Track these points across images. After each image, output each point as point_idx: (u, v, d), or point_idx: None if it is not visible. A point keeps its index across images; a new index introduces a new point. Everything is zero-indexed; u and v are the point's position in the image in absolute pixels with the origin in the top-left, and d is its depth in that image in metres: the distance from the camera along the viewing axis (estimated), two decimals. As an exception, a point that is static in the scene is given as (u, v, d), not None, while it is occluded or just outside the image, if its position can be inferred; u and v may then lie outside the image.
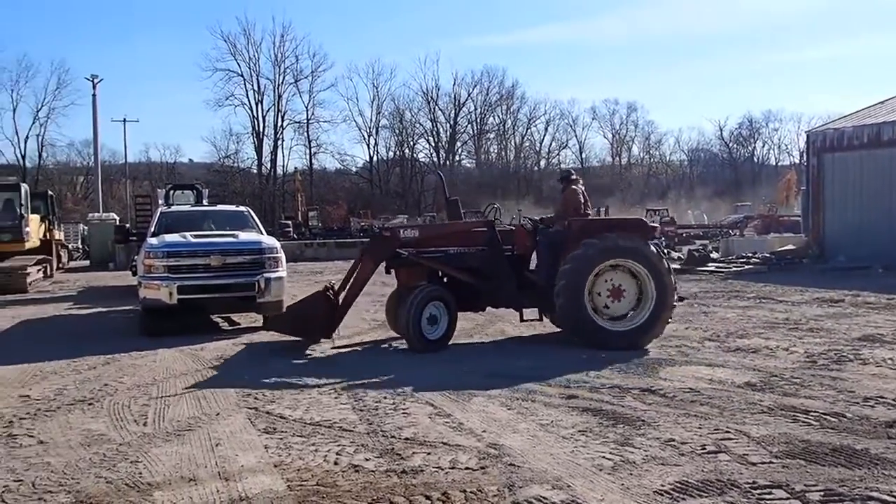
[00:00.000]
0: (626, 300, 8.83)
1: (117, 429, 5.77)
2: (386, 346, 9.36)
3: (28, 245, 21.02)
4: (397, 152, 75.51)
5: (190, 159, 72.76)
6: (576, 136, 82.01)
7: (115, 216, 31.81)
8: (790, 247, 20.61)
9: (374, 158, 73.63)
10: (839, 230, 19.91)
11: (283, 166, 69.27)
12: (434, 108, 75.15)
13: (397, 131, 74.85)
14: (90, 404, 6.59)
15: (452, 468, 4.66)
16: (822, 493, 4.05)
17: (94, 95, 41.33)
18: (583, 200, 9.69)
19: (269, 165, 68.23)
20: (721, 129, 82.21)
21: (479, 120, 77.80)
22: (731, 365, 7.56)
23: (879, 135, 19.33)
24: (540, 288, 9.10)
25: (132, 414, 6.19)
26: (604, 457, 4.78)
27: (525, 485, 4.31)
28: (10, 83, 63.46)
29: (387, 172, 74.67)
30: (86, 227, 42.71)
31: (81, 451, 5.21)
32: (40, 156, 64.46)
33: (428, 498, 4.17)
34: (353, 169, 73.70)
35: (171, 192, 18.32)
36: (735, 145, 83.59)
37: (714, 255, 21.42)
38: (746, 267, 18.20)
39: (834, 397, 6.15)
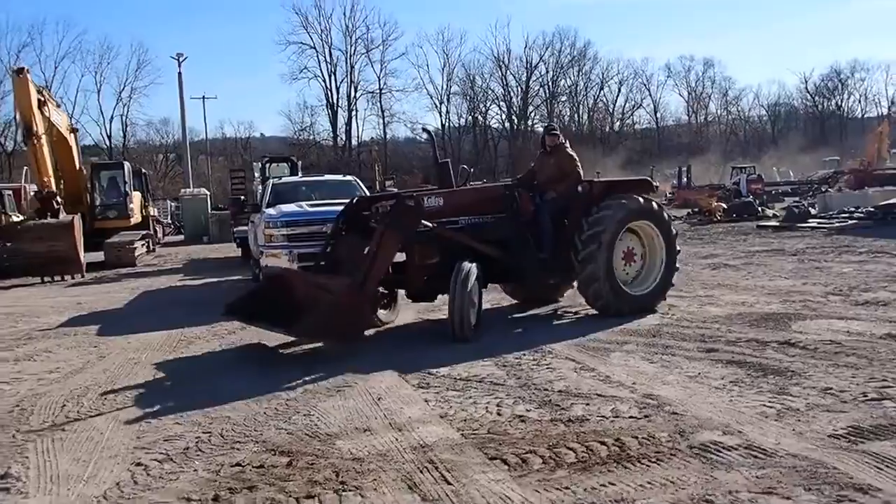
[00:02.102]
0: (636, 264, 8.66)
1: (278, 386, 6.12)
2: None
3: (132, 221, 22.06)
4: (469, 119, 75.42)
5: (261, 134, 74.23)
6: (650, 95, 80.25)
7: (206, 191, 32.85)
8: (893, 200, 19.82)
9: (446, 126, 73.70)
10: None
11: (358, 137, 70.20)
12: (505, 73, 74.62)
13: (469, 98, 74.68)
14: (244, 363, 7.02)
15: (616, 417, 4.82)
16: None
17: (179, 74, 42.65)
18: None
19: (343, 137, 69.19)
20: (806, 82, 79.05)
21: (551, 83, 76.83)
22: (863, 318, 7.47)
23: None
24: (542, 260, 8.32)
25: (287, 372, 6.54)
26: (764, 405, 4.85)
27: (695, 431, 4.44)
28: (93, 65, 65.69)
29: (459, 139, 74.69)
30: (172, 204, 44.45)
31: (254, 406, 5.57)
32: (124, 135, 66.77)
33: (603, 444, 4.33)
34: (421, 139, 74.02)
35: (268, 164, 18.86)
36: (819, 98, 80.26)
37: (812, 211, 20.81)
38: (850, 222, 17.65)
39: (983, 347, 6.04)
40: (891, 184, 28.40)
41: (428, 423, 4.94)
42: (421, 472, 4.10)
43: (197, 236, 29.83)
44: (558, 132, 9.06)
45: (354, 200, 8.50)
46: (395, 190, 10.62)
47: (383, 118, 70.24)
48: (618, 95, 78.82)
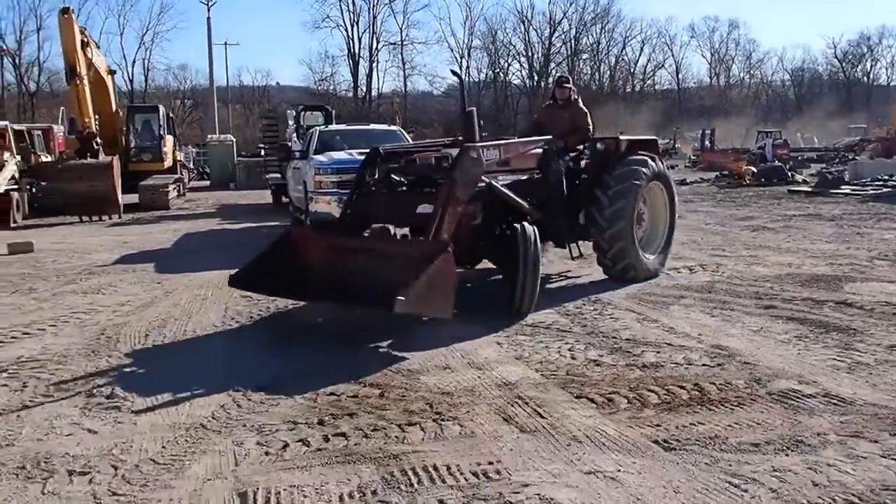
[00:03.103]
0: (643, 226, 8.28)
1: (357, 326, 6.36)
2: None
3: (165, 165, 22.26)
4: (489, 74, 74.77)
5: (277, 83, 73.72)
6: (672, 55, 79.23)
7: (232, 138, 32.95)
8: (929, 169, 19.79)
9: (467, 80, 73.08)
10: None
11: (378, 89, 69.83)
12: (528, 28, 73.71)
13: (490, 52, 73.94)
14: (309, 305, 7.26)
15: (689, 365, 5.02)
16: None
17: (208, 19, 42.62)
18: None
19: (364, 88, 68.84)
20: (835, 47, 77.74)
21: (573, 40, 75.85)
22: (914, 281, 7.62)
23: None
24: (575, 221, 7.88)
25: (359, 313, 6.76)
26: (833, 359, 5.04)
27: (771, 379, 4.64)
28: (116, 8, 65.32)
29: (478, 95, 74.16)
30: (194, 149, 44.59)
31: (339, 346, 5.83)
32: (146, 80, 66.65)
33: (682, 388, 4.54)
34: (436, 93, 73.44)
35: (303, 112, 18.94)
36: (846, 64, 78.99)
37: (844, 177, 20.77)
38: (885, 190, 17.64)
39: None
40: (919, 153, 28.25)
41: (506, 364, 5.16)
42: (512, 406, 4.33)
43: (223, 182, 30.02)
44: (570, 84, 8.63)
45: (380, 151, 7.24)
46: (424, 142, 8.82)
47: (404, 70, 69.90)
48: (640, 55, 77.93)
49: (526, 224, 6.57)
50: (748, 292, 7.22)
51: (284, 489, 3.35)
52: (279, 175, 20.47)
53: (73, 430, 4.11)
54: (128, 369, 5.25)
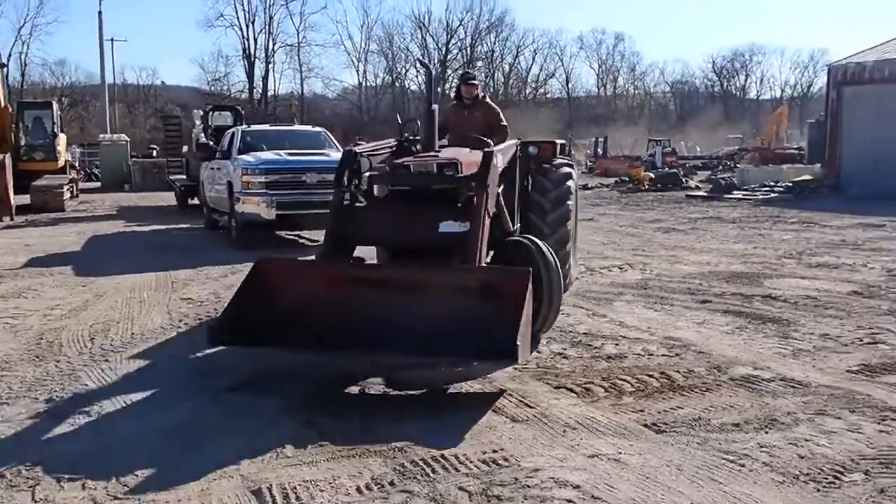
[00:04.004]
0: None
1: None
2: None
3: (59, 164, 21.07)
4: (387, 78, 74.88)
5: (162, 82, 70.85)
6: (563, 65, 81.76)
7: (126, 137, 31.52)
8: (807, 176, 21.37)
9: (363, 85, 72.95)
10: (855, 161, 20.63)
11: (275, 90, 68.56)
12: (425, 35, 74.30)
13: (387, 57, 74.05)
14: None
15: (650, 355, 5.29)
16: None
17: (99, 13, 40.57)
18: None
19: (260, 89, 67.39)
20: (713, 62, 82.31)
21: (469, 48, 77.04)
22: (822, 278, 8.26)
23: (901, 69, 19.89)
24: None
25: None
26: (777, 347, 5.44)
27: (729, 366, 4.96)
28: (-12, -2, 61.15)
29: (377, 98, 74.16)
30: (79, 149, 42.31)
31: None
32: (23, 76, 62.73)
33: (651, 377, 4.79)
34: (331, 96, 72.83)
35: (211, 112, 18.43)
36: (722, 78, 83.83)
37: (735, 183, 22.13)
38: (772, 195, 18.94)
39: (939, 303, 6.87)
40: (790, 162, 30.47)
41: (475, 359, 5.26)
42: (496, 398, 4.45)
43: (117, 184, 28.62)
44: (478, 81, 7.83)
45: (356, 155, 5.57)
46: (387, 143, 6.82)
47: (301, 72, 68.85)
48: (532, 64, 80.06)
49: (533, 238, 5.83)
50: (681, 288, 7.64)
51: (299, 484, 3.34)
52: (185, 176, 19.86)
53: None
54: (83, 373, 5.02)
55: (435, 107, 6.22)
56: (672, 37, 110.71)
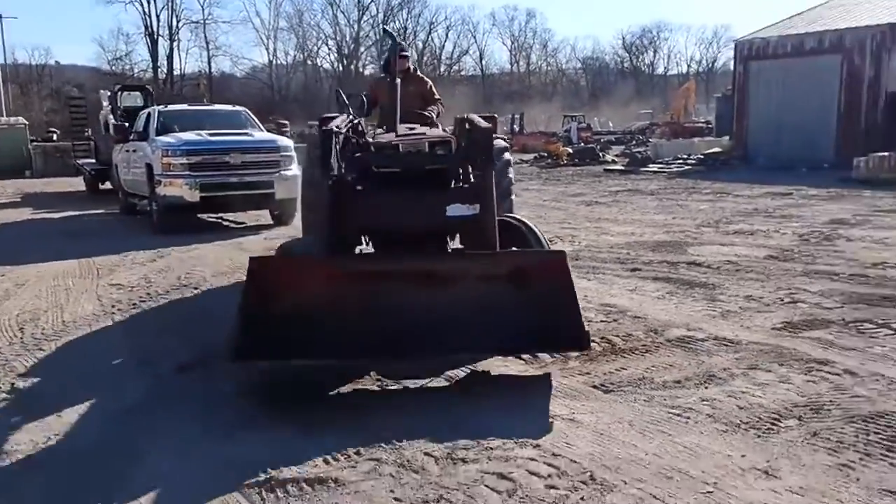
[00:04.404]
0: None
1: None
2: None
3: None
4: (298, 56, 73.54)
5: (57, 62, 67.42)
6: (476, 42, 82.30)
7: (24, 120, 29.92)
8: (717, 149, 22.27)
9: (273, 63, 71.41)
10: (761, 133, 21.66)
11: (181, 69, 66.32)
12: (336, 12, 73.19)
13: (297, 35, 72.65)
14: (196, 288, 7.01)
15: (589, 321, 5.40)
16: (900, 324, 5.16)
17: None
18: None
19: (165, 68, 65.05)
20: (623, 39, 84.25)
21: (382, 24, 76.31)
22: (740, 244, 8.69)
23: (802, 44, 20.93)
24: None
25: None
26: (706, 309, 5.73)
27: (664, 329, 5.20)
28: None
29: (288, 77, 72.77)
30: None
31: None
32: None
33: (593, 341, 4.96)
34: (240, 75, 71.00)
35: (120, 93, 17.69)
36: (632, 55, 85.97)
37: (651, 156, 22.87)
38: (686, 167, 19.68)
39: (846, 264, 7.34)
40: (699, 135, 31.71)
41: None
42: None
43: (17, 170, 27.16)
44: (408, 54, 7.43)
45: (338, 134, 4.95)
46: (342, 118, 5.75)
47: (208, 51, 66.81)
48: (445, 41, 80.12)
49: (519, 217, 5.66)
50: (610, 258, 7.91)
51: (263, 461, 3.36)
52: (94, 160, 19.05)
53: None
54: (18, 363, 4.85)
55: (398, 80, 5.81)
56: (583, 14, 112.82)
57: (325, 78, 73.96)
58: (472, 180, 4.91)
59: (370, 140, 5.35)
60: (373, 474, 3.18)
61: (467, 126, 5.49)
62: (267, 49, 71.41)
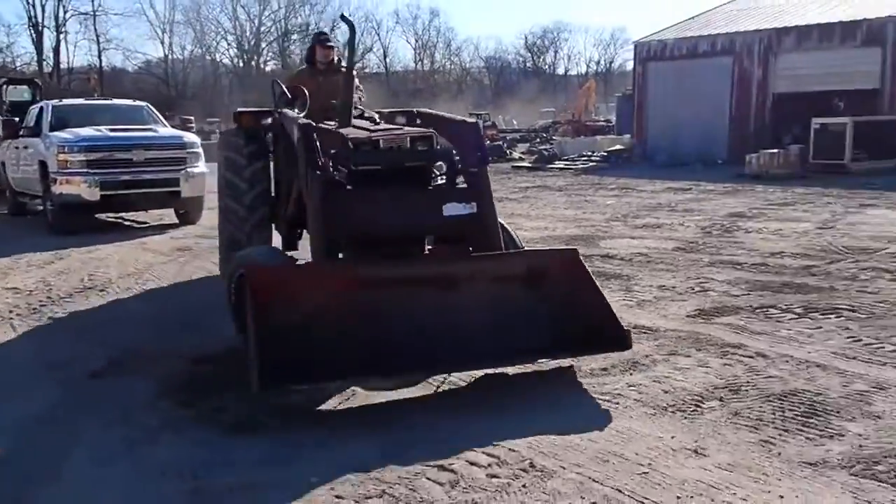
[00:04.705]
0: None
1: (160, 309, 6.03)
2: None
3: None
4: (196, 51, 71.30)
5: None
6: (380, 40, 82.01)
7: None
8: (619, 146, 23.01)
9: (170, 58, 69.01)
10: (660, 131, 22.52)
11: (69, 63, 63.16)
12: (235, 6, 71.35)
13: (195, 29, 70.39)
14: (102, 290, 6.68)
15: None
16: (802, 307, 5.45)
17: None
18: None
19: (51, 62, 61.78)
20: (525, 39, 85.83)
21: (284, 20, 75.06)
22: (648, 237, 9.00)
23: (696, 47, 21.89)
24: None
25: (160, 295, 6.40)
26: (623, 299, 5.88)
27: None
28: None
29: (185, 72, 70.48)
30: None
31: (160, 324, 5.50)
32: None
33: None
34: (131, 69, 68.41)
35: (5, 86, 16.66)
36: (531, 54, 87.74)
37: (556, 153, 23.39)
38: (590, 164, 20.23)
39: (748, 254, 7.71)
40: (601, 133, 32.70)
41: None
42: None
43: None
44: (333, 43, 6.94)
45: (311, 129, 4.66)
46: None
47: (98, 44, 63.82)
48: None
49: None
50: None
51: (194, 463, 3.23)
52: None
53: None
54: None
55: (354, 68, 5.43)
56: (485, 14, 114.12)
57: (224, 74, 72.11)
58: (464, 179, 4.64)
59: (360, 137, 4.86)
60: (309, 474, 3.11)
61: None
62: (162, 43, 68.87)
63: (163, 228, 10.67)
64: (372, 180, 4.54)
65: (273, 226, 6.37)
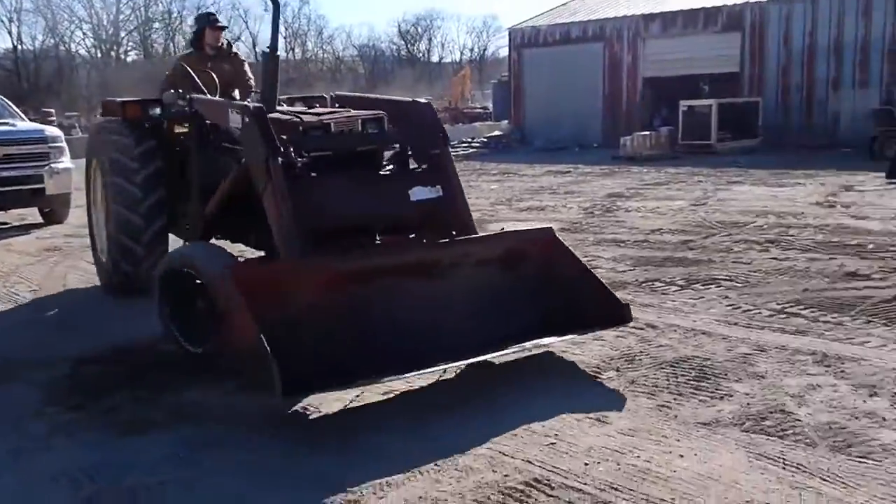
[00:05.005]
0: None
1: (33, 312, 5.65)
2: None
3: None
4: (48, 41, 66.80)
5: None
6: (248, 28, 79.62)
7: None
8: (498, 132, 23.44)
9: (20, 48, 64.37)
10: (537, 117, 23.09)
11: None
12: (90, -8, 67.29)
13: (46, 18, 65.91)
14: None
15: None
16: (684, 280, 5.76)
17: None
18: None
19: None
20: (399, 26, 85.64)
21: (144, 8, 71.50)
22: (534, 219, 9.22)
23: (568, 33, 22.55)
24: None
25: (31, 298, 6.01)
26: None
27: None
28: None
29: (37, 63, 65.98)
30: None
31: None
32: None
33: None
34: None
35: None
36: (405, 42, 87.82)
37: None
38: (471, 150, 20.50)
39: (629, 232, 8.05)
40: (479, 120, 33.23)
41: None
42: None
43: None
44: (226, 26, 6.67)
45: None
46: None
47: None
48: (215, 25, 76.95)
49: None
50: (417, 238, 8.05)
51: (90, 470, 3.05)
52: None
53: None
54: None
55: (279, 53, 5.07)
56: (356, 1, 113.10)
57: (81, 65, 68.00)
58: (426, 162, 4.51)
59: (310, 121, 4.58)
60: (216, 471, 3.00)
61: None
62: (10, 33, 63.94)
63: (27, 228, 9.99)
64: (324, 167, 4.34)
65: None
